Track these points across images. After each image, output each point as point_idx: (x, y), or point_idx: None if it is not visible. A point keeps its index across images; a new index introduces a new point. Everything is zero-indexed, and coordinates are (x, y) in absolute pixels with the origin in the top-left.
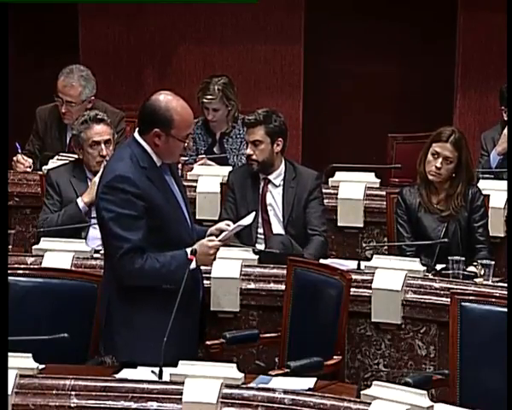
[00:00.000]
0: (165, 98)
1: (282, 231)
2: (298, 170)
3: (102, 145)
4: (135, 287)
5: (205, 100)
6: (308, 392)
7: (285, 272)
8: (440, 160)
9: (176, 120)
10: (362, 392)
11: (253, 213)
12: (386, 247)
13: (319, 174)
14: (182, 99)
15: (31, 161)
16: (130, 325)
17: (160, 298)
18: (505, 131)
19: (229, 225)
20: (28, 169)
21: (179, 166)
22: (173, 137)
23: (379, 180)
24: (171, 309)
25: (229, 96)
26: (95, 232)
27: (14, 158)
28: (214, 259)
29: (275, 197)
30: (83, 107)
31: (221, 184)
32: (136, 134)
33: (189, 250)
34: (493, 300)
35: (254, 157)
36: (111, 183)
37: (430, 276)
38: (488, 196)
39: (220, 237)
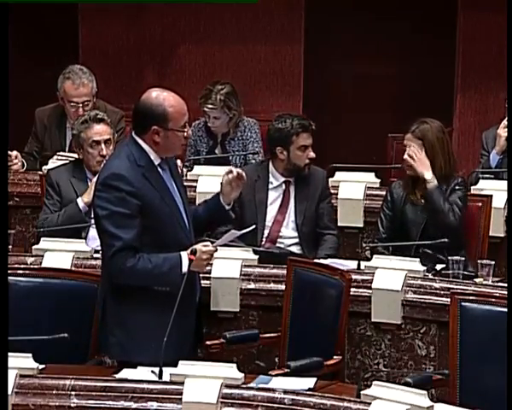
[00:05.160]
0: (154, 94)
1: (294, 232)
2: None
3: (102, 145)
4: (128, 287)
5: (206, 109)
6: (308, 392)
7: (285, 272)
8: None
9: (170, 113)
10: (362, 392)
11: (254, 226)
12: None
13: (327, 172)
14: (171, 91)
15: (20, 164)
16: (124, 325)
17: (154, 299)
18: (499, 130)
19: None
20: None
21: (179, 163)
22: (172, 130)
23: (379, 180)
24: (165, 310)
25: (231, 106)
26: (95, 232)
27: None
28: (208, 264)
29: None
30: (92, 102)
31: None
32: (133, 133)
33: (183, 253)
34: (493, 300)
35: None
36: (106, 180)
37: (430, 276)
38: (489, 196)
39: (215, 244)
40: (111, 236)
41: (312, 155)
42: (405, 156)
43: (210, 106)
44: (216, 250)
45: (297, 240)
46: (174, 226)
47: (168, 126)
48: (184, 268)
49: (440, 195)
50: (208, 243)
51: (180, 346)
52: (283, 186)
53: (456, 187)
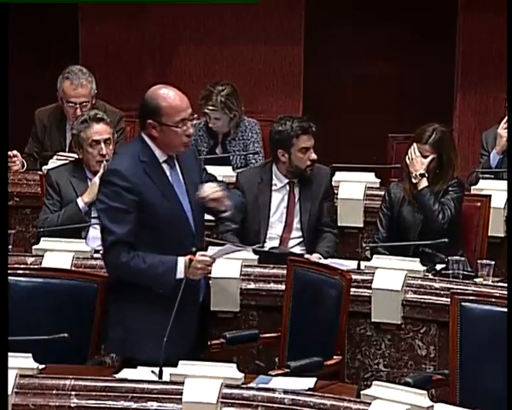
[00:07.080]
0: (154, 89)
1: (298, 232)
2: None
3: (102, 144)
4: (127, 284)
5: (206, 110)
6: (308, 392)
7: (285, 272)
8: None
9: (163, 107)
10: (362, 392)
11: (251, 247)
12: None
13: (330, 169)
14: (174, 88)
15: (20, 164)
16: (123, 321)
17: (154, 297)
18: (500, 130)
19: None
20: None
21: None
22: (166, 125)
23: (379, 180)
24: (163, 308)
25: (232, 107)
26: (95, 232)
27: None
28: (202, 274)
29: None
30: (91, 104)
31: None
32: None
33: (180, 259)
34: (493, 300)
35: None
36: (104, 176)
37: (430, 276)
38: (488, 196)
39: (211, 254)
40: (106, 230)
41: (314, 156)
42: (417, 171)
43: (211, 107)
44: (214, 261)
45: (300, 240)
46: (175, 225)
47: (161, 121)
48: (179, 274)
49: (431, 196)
50: (205, 253)
51: (178, 344)
52: (287, 187)
53: (450, 188)
